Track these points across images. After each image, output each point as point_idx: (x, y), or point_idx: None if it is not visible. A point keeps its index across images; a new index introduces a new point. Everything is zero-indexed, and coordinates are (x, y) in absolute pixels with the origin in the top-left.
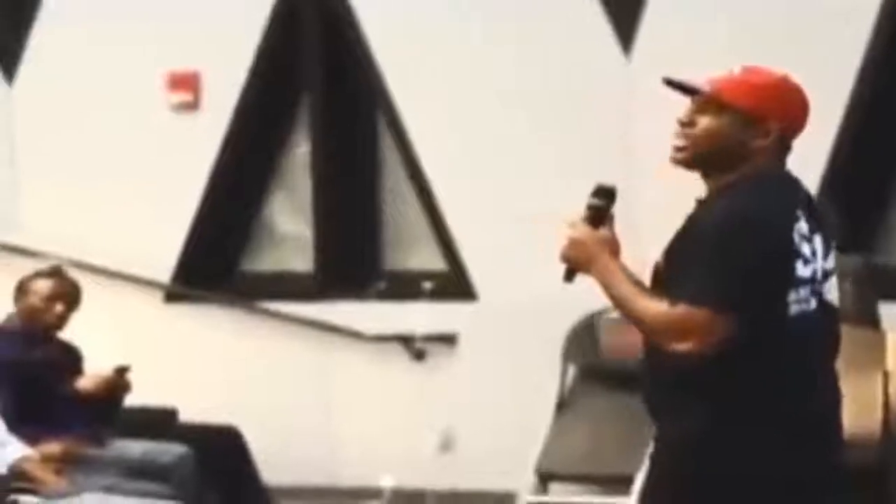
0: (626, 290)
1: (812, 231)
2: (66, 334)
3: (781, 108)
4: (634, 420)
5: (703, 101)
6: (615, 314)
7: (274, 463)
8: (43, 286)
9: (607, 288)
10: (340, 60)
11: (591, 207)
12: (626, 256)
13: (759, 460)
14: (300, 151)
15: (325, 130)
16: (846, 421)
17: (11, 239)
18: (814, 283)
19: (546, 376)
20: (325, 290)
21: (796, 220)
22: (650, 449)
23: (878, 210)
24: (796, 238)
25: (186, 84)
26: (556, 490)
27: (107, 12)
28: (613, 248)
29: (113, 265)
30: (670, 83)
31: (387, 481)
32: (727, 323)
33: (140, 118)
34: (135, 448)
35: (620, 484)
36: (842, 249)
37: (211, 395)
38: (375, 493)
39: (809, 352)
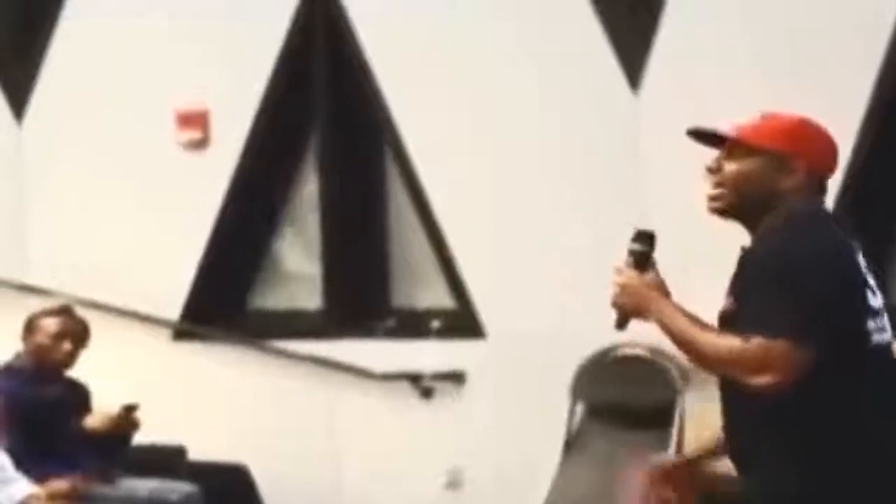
0: (691, 329)
1: (867, 265)
2: (75, 372)
3: (807, 146)
4: (642, 459)
5: (730, 146)
6: (627, 351)
7: (282, 501)
8: (51, 324)
9: (669, 328)
10: (349, 98)
11: (633, 253)
12: None
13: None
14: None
15: (333, 168)
16: None
17: (20, 277)
18: (883, 314)
19: (555, 413)
20: (334, 328)
21: (857, 251)
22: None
23: (885, 248)
24: (862, 268)
25: (195, 122)
26: None
27: (115, 50)
28: (663, 290)
29: (121, 303)
30: (695, 133)
31: None
32: (805, 353)
33: (149, 156)
34: (142, 486)
35: None
36: None
37: (219, 433)
38: None
39: (892, 382)
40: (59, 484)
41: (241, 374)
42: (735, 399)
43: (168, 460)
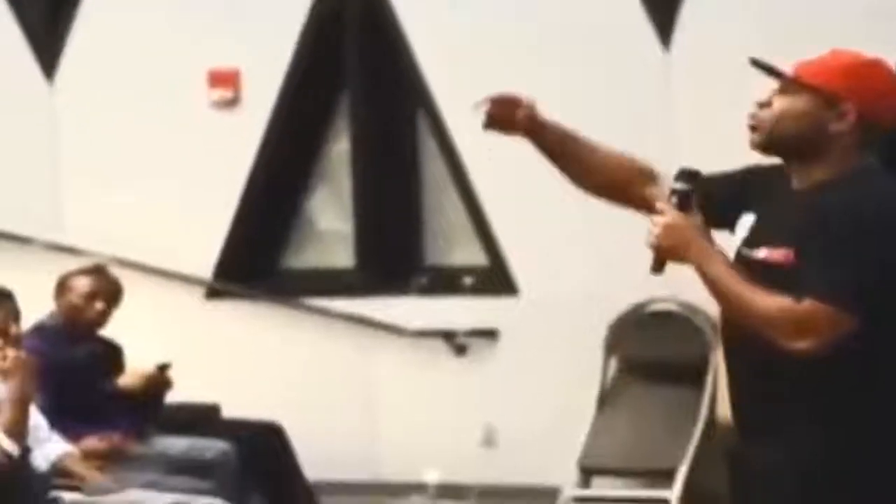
0: (734, 278)
1: None
2: (108, 331)
3: (859, 89)
4: (676, 413)
5: (784, 82)
6: (660, 306)
7: (317, 459)
8: (83, 284)
9: (709, 275)
10: (380, 56)
11: (676, 192)
12: None
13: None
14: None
15: (365, 126)
16: None
17: (54, 237)
18: None
19: (588, 370)
20: (367, 286)
21: None
22: (698, 444)
23: None
24: None
25: (227, 81)
26: (599, 484)
27: (147, 10)
28: (707, 233)
29: (154, 262)
30: (757, 64)
31: (430, 476)
32: (854, 324)
33: (181, 115)
34: (177, 444)
35: (663, 477)
36: None
37: (253, 391)
38: (419, 488)
39: None
40: (94, 443)
41: (274, 332)
42: (760, 363)
43: (202, 418)
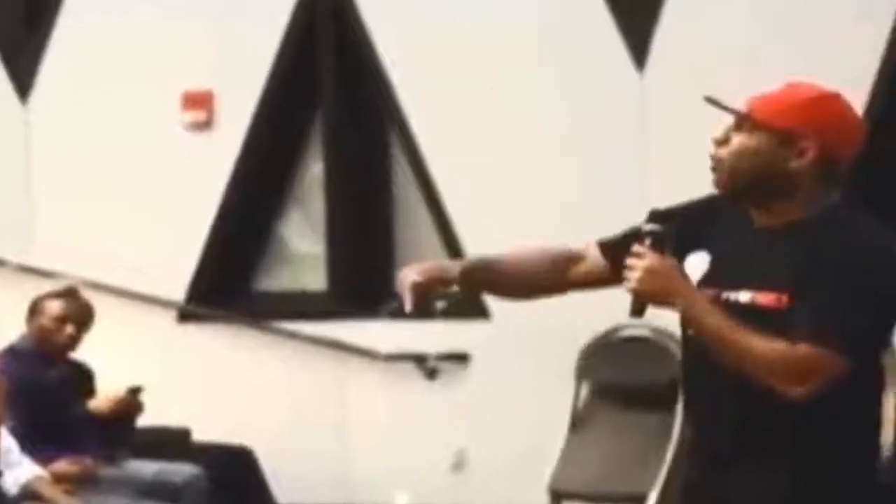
0: (725, 322)
1: None
2: (80, 354)
3: (818, 125)
4: (648, 438)
5: (740, 118)
6: (632, 331)
7: (288, 482)
8: (54, 307)
9: (699, 320)
10: (354, 79)
11: (652, 234)
12: None
13: None
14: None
15: (338, 149)
16: None
17: (25, 259)
18: None
19: (559, 394)
20: (339, 309)
21: None
22: (670, 472)
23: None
24: None
25: (200, 103)
26: None
27: (121, 31)
28: (685, 274)
29: (127, 285)
30: (711, 101)
31: (401, 500)
32: (849, 367)
33: (154, 137)
34: (147, 468)
35: (634, 502)
36: None
37: (224, 415)
38: None
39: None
40: (65, 466)
41: (246, 355)
42: (737, 391)
43: (173, 442)
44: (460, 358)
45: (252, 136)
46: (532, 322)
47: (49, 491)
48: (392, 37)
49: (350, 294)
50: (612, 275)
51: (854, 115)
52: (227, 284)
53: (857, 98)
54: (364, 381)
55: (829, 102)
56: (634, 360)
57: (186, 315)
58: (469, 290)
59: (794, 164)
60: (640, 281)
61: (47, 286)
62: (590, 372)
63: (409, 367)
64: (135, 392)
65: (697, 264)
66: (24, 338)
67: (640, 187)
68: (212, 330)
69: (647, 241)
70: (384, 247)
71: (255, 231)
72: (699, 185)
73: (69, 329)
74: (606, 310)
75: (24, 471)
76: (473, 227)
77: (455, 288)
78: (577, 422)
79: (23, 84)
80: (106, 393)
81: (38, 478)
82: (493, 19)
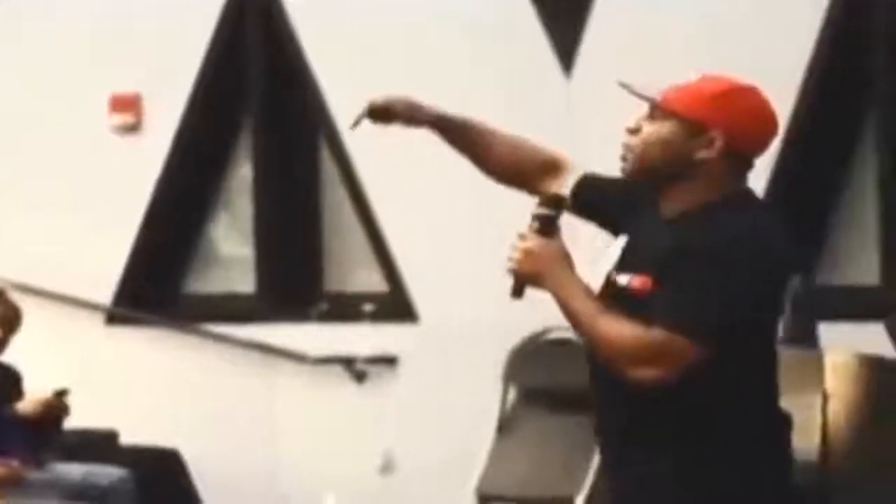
0: (588, 306)
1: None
2: (7, 357)
3: (727, 117)
4: (575, 442)
5: (653, 107)
6: (558, 335)
7: (216, 485)
8: None
9: (564, 302)
10: (282, 81)
11: (539, 217)
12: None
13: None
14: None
15: (266, 152)
16: None
17: None
18: None
19: (487, 398)
20: (267, 312)
21: (788, 244)
22: (598, 478)
23: (817, 229)
24: (790, 264)
25: (128, 106)
26: None
27: (48, 34)
28: (568, 260)
29: (54, 287)
30: (624, 87)
31: (329, 502)
32: (705, 355)
33: (82, 140)
34: (74, 471)
35: None
36: None
37: (152, 417)
38: None
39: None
40: None
41: (174, 358)
42: (620, 383)
43: (100, 445)
44: (389, 361)
45: (180, 139)
46: (461, 325)
47: None
48: (320, 39)
49: (278, 297)
50: (571, 207)
51: (766, 110)
52: (155, 287)
53: (787, 97)
54: (293, 384)
55: (742, 95)
56: (562, 363)
57: (114, 318)
58: (443, 133)
59: (701, 154)
60: (518, 262)
61: None
62: (517, 375)
63: (337, 370)
64: (62, 395)
65: (619, 246)
66: None
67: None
68: (140, 333)
69: (535, 225)
70: (313, 250)
71: (183, 234)
72: None
73: None
74: (535, 312)
75: None
76: (402, 230)
77: (420, 125)
78: (505, 425)
79: None
80: (33, 395)
81: None
82: (422, 23)
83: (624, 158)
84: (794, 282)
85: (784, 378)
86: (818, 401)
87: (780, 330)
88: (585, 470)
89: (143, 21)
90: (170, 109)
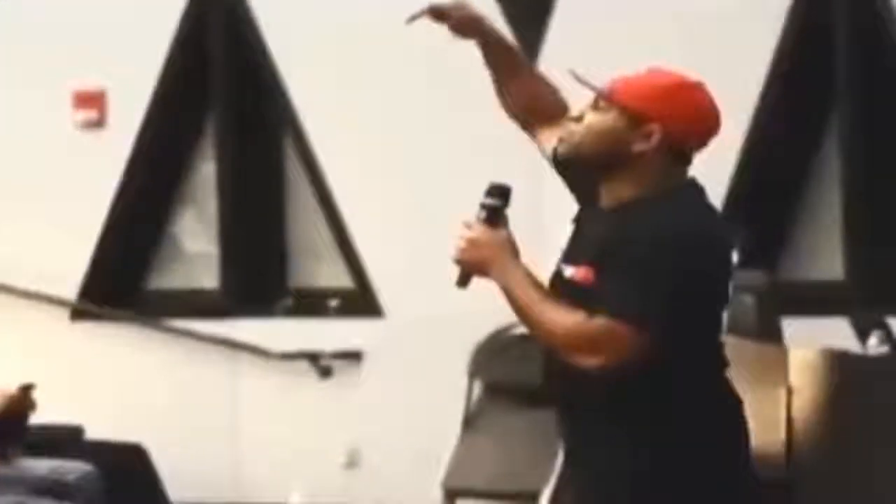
0: (531, 295)
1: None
2: None
3: (667, 111)
4: (541, 436)
5: (596, 99)
6: (524, 330)
7: (181, 480)
8: None
9: (509, 292)
10: (247, 78)
11: (485, 207)
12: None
13: (695, 490)
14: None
15: (231, 148)
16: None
17: None
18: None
19: (453, 393)
20: (232, 308)
21: (731, 234)
22: (563, 470)
23: (781, 225)
24: (733, 255)
25: (92, 101)
26: None
27: (11, 30)
28: (513, 249)
29: (18, 283)
30: (573, 75)
31: (294, 498)
32: (649, 340)
33: (45, 136)
34: (40, 466)
35: (527, 500)
36: (745, 264)
37: (117, 413)
38: None
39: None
40: None
41: (139, 353)
42: (581, 376)
43: (65, 440)
44: (354, 356)
45: (144, 135)
46: (426, 320)
47: None
48: (284, 36)
49: (243, 293)
50: (554, 166)
51: (708, 107)
52: (120, 283)
53: (750, 95)
54: (258, 379)
55: (685, 90)
56: (527, 358)
57: (79, 313)
58: (485, 51)
59: (639, 146)
60: (462, 251)
61: None
62: (483, 370)
63: (302, 365)
64: (27, 390)
65: (567, 236)
66: None
67: (532, 189)
68: (105, 328)
69: (482, 215)
70: (277, 245)
71: (147, 229)
72: None
73: None
74: (499, 307)
75: None
76: (366, 226)
77: (478, 39)
78: (471, 420)
79: None
80: None
81: None
82: (387, 22)
83: (560, 140)
84: (758, 277)
85: (749, 373)
86: (783, 395)
87: (730, 321)
88: (551, 463)
89: (107, 16)
90: (134, 105)
